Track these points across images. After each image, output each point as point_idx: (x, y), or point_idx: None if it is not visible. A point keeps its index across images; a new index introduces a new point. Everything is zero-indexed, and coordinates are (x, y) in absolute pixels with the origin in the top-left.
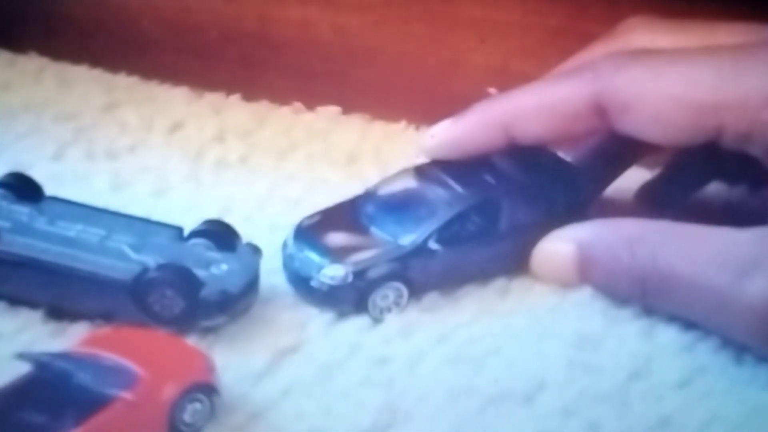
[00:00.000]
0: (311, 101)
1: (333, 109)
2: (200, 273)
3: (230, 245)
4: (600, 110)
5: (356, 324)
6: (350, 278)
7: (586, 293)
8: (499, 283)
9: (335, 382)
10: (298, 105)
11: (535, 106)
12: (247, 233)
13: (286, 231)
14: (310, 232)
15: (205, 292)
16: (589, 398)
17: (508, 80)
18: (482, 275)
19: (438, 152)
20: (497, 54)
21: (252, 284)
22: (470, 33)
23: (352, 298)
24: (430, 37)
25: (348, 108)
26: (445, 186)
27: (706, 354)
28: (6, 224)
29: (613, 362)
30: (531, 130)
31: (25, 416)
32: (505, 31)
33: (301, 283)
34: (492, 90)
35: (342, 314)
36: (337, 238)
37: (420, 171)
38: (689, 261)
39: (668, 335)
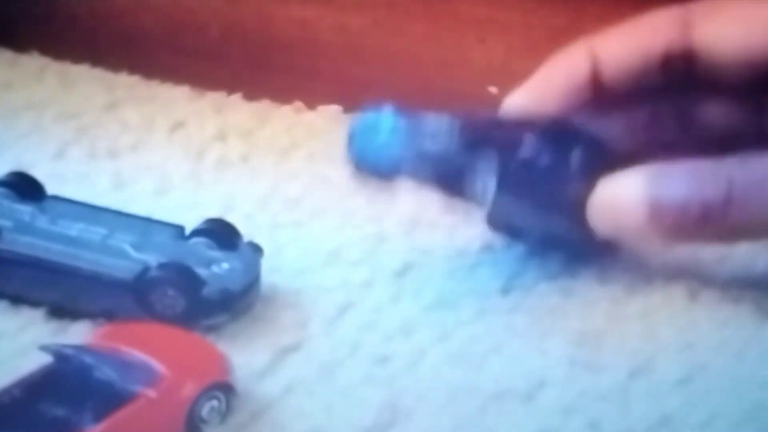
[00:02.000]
0: (312, 100)
1: (334, 108)
2: (201, 272)
3: (231, 244)
4: (684, 21)
5: (357, 322)
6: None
7: (587, 292)
8: (500, 281)
9: (336, 380)
10: (299, 104)
11: (620, 27)
12: (248, 232)
13: (288, 230)
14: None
15: (206, 291)
16: (589, 396)
17: (509, 79)
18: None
19: (532, 90)
20: (498, 53)
21: (253, 283)
22: (471, 32)
23: (457, 165)
24: (431, 36)
25: (349, 107)
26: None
27: (706, 352)
28: (8, 223)
29: (613, 360)
30: (616, 48)
31: (44, 408)
32: (505, 30)
33: (396, 151)
34: (493, 89)
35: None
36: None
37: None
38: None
39: (668, 333)
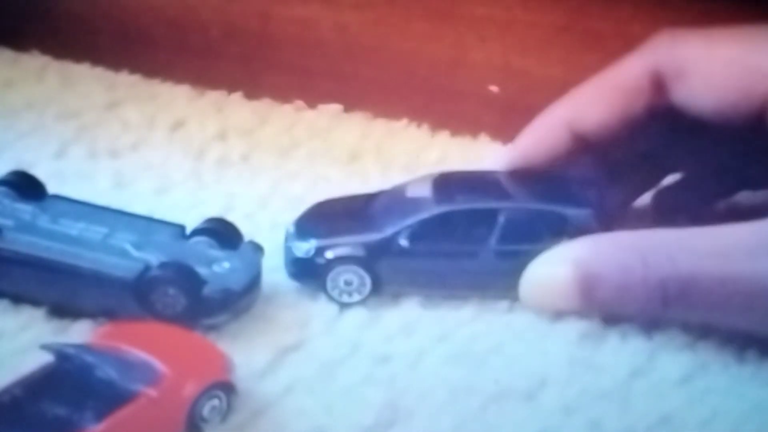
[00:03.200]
0: (313, 99)
1: (334, 107)
2: (202, 271)
3: (232, 243)
4: (658, 81)
5: (358, 322)
6: (312, 252)
7: None
8: None
9: (337, 379)
10: (299, 103)
11: (593, 90)
12: (249, 231)
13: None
14: (310, 213)
15: (207, 290)
16: (590, 396)
17: (509, 77)
18: (462, 288)
19: (517, 150)
20: (498, 51)
21: (254, 282)
22: (471, 30)
23: (313, 273)
24: (432, 34)
25: (349, 106)
26: (449, 193)
27: (707, 351)
28: (9, 222)
29: (614, 360)
30: (593, 115)
31: (45, 407)
32: (506, 29)
33: (285, 256)
34: (493, 88)
35: (309, 289)
36: (326, 221)
37: (439, 177)
38: (715, 257)
39: (669, 332)
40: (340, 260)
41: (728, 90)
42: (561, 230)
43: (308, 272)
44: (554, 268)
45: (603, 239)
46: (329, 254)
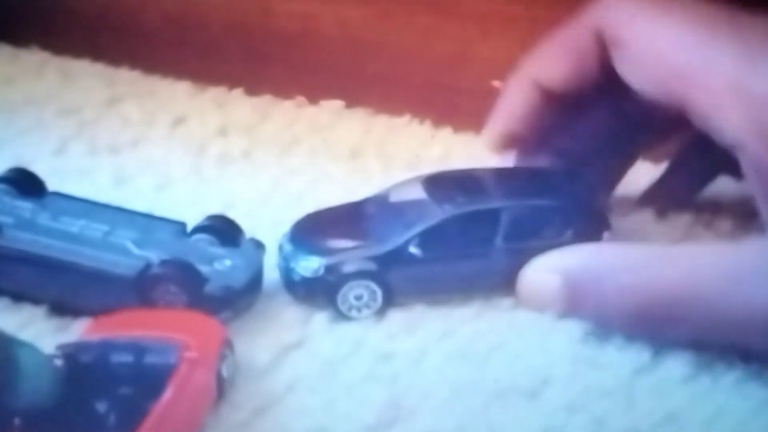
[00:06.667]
0: (314, 95)
1: (336, 103)
2: (203, 268)
3: (233, 241)
4: (601, 43)
5: (360, 320)
6: (321, 271)
7: None
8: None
9: (339, 377)
10: (301, 99)
11: (552, 47)
12: (250, 228)
13: (290, 226)
14: (303, 228)
15: (208, 288)
16: (594, 393)
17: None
18: (473, 290)
19: (499, 137)
20: (501, 47)
21: (255, 280)
22: (474, 26)
23: (323, 291)
24: (434, 30)
25: (351, 102)
26: (447, 195)
27: (711, 349)
28: (9, 220)
29: (618, 358)
30: (554, 73)
31: (92, 404)
32: (509, 24)
33: (285, 276)
34: (497, 83)
35: (318, 308)
36: (325, 235)
37: (429, 179)
38: (694, 277)
39: None
40: (352, 275)
41: (651, 81)
42: (563, 223)
43: (317, 291)
44: (544, 277)
45: (591, 251)
46: (340, 270)
